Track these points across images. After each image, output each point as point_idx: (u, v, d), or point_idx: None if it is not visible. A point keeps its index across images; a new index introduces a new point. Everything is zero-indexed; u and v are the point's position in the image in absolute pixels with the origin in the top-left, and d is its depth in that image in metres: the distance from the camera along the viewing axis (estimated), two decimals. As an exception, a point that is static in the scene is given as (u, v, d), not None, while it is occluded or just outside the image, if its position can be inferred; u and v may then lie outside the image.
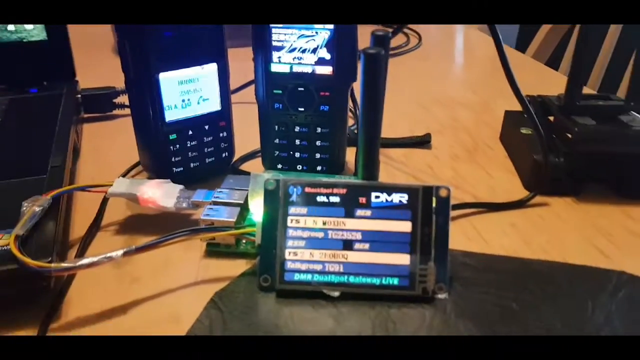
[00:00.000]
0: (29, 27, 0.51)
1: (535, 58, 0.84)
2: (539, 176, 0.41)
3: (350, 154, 0.43)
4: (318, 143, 0.41)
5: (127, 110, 0.55)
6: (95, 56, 0.72)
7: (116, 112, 0.55)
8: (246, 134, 0.45)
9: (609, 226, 0.38)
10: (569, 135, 0.41)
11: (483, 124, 0.55)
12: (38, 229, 0.31)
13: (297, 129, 0.41)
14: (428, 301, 0.31)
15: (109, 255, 0.29)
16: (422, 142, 0.50)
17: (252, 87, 0.57)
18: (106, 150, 0.49)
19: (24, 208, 0.32)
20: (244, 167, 0.46)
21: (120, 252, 0.29)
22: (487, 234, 0.37)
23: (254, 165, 0.46)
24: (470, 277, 0.33)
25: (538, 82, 0.51)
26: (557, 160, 0.40)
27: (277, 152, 0.42)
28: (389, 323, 0.29)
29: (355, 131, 0.50)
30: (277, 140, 0.42)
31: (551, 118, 0.45)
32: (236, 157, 0.45)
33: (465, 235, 0.37)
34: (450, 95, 0.64)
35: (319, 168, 0.42)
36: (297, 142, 0.41)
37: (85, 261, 0.28)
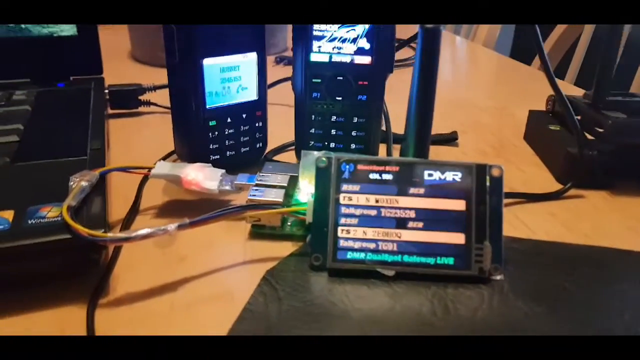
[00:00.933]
0: (60, 21, 0.51)
1: (540, 70, 0.86)
2: (574, 169, 0.41)
3: (381, 152, 0.44)
4: (354, 133, 0.42)
5: (153, 108, 0.55)
6: (113, 62, 0.72)
7: (142, 109, 0.55)
8: (275, 129, 0.45)
9: (647, 216, 0.39)
10: (600, 130, 0.42)
11: (505, 125, 0.56)
12: (87, 202, 0.30)
13: (333, 118, 0.41)
14: (484, 282, 0.30)
15: (163, 227, 0.29)
16: (450, 139, 0.50)
17: (277, 87, 0.59)
18: (135, 144, 0.49)
19: (72, 183, 0.31)
20: (276, 159, 0.45)
21: (174, 225, 0.29)
22: (530, 222, 0.37)
23: (286, 157, 0.46)
24: (521, 260, 0.33)
25: (548, 89, 0.53)
26: (591, 153, 0.41)
27: (312, 142, 0.42)
28: (447, 302, 0.29)
29: (383, 129, 0.50)
30: (312, 130, 0.42)
31: (578, 117, 0.46)
32: (267, 149, 0.45)
33: (510, 224, 0.37)
34: (469, 100, 0.65)
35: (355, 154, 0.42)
36: (333, 131, 0.42)
37: (141, 232, 0.28)
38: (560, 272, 0.32)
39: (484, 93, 0.71)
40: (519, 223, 0.37)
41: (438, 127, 0.55)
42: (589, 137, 0.42)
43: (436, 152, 0.49)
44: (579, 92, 0.70)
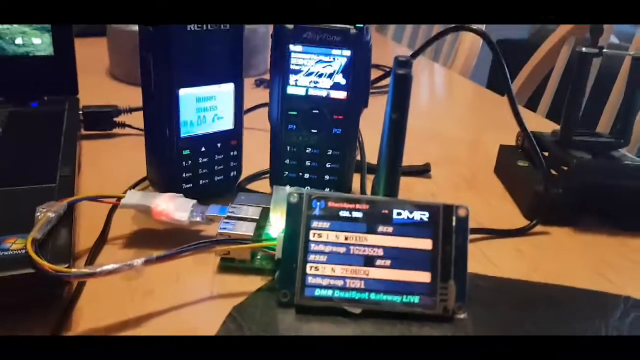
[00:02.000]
0: (37, 41, 0.51)
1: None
2: (540, 206, 0.42)
3: (355, 180, 0.44)
4: (328, 165, 0.42)
5: (128, 130, 0.55)
6: (91, 79, 0.72)
7: (116, 130, 0.55)
8: (251, 154, 0.45)
9: (609, 254, 0.40)
10: (565, 168, 0.43)
11: (477, 158, 0.57)
12: (53, 234, 0.30)
13: (308, 150, 0.42)
14: (448, 320, 0.31)
15: (129, 262, 0.28)
16: (423, 171, 0.51)
17: (254, 113, 0.59)
18: (107, 167, 0.48)
19: (39, 214, 0.31)
20: (250, 187, 0.45)
21: (140, 261, 0.29)
22: (496, 258, 0.38)
23: (260, 186, 0.46)
24: (486, 298, 0.33)
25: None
26: (556, 191, 0.42)
27: (286, 173, 0.42)
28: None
29: (358, 158, 0.50)
30: (287, 161, 0.42)
31: (545, 153, 0.47)
32: (242, 177, 0.45)
33: (476, 260, 0.38)
34: (443, 131, 0.66)
35: (327, 190, 0.43)
36: (308, 163, 0.42)
37: (106, 268, 0.28)
38: (521, 311, 0.32)
39: (458, 124, 0.72)
40: (485, 260, 0.38)
41: (412, 158, 0.56)
42: (555, 173, 0.43)
43: (408, 184, 0.50)
44: (550, 125, 0.72)
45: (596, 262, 0.39)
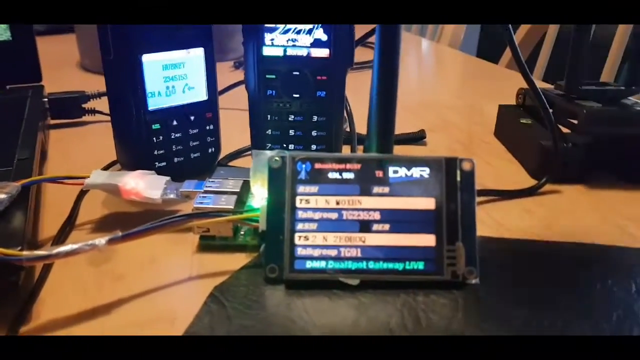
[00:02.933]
0: (-9, 24, 0.47)
1: (507, 68, 0.84)
2: (548, 163, 0.39)
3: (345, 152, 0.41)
4: (314, 133, 0.38)
5: (98, 117, 0.51)
6: (61, 71, 0.68)
7: (86, 118, 0.51)
8: (232, 135, 0.42)
9: (626, 209, 0.36)
10: (574, 121, 0.40)
11: (473, 123, 0.54)
12: (5, 218, 0.26)
13: (291, 117, 0.38)
14: (458, 287, 0.27)
15: (91, 242, 0.25)
16: (418, 138, 0.48)
17: (233, 91, 0.55)
18: (76, 154, 0.45)
19: (-13, 196, 0.27)
20: (231, 164, 0.42)
21: (104, 240, 0.25)
22: (505, 220, 0.35)
23: (242, 163, 0.42)
24: (498, 261, 0.30)
25: (516, 86, 0.51)
26: (566, 146, 0.39)
27: (269, 145, 0.39)
28: (419, 312, 0.26)
29: (347, 129, 0.47)
30: (269, 132, 0.38)
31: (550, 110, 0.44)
32: (222, 155, 0.42)
33: (483, 223, 0.34)
34: (436, 100, 0.62)
35: (312, 152, 0.39)
36: (292, 132, 0.38)
37: (63, 249, 0.24)
38: (540, 273, 0.29)
39: (452, 93, 0.69)
40: (493, 222, 0.34)
41: (405, 127, 0.52)
42: (563, 129, 0.40)
43: (404, 151, 0.45)
44: (546, 86, 0.68)
45: (611, 216, 0.35)
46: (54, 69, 0.53)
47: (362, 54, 0.62)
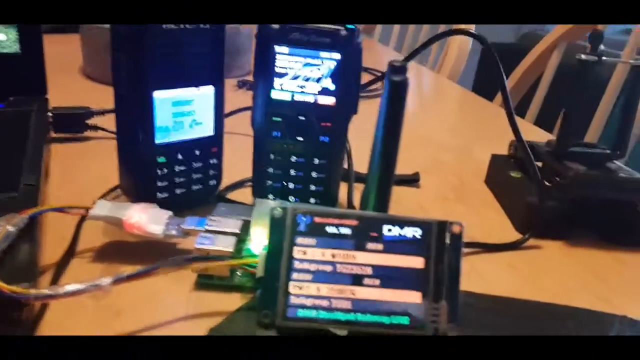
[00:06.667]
0: (2, 37, 0.48)
1: (502, 107, 0.87)
2: (533, 219, 0.41)
3: (342, 191, 0.42)
4: (314, 174, 0.40)
5: (101, 133, 0.52)
6: (64, 78, 0.69)
7: (88, 133, 0.52)
8: (233, 161, 0.43)
9: (604, 271, 0.38)
10: (560, 180, 0.41)
11: (466, 167, 0.56)
12: (13, 250, 0.27)
13: (293, 159, 0.39)
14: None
15: (96, 282, 0.26)
16: (412, 180, 0.49)
17: (236, 116, 0.57)
18: (78, 173, 0.45)
19: (-3, 227, 0.28)
20: (231, 196, 0.43)
21: (109, 280, 0.26)
22: (488, 274, 0.36)
23: (242, 195, 0.43)
24: (477, 318, 0.32)
25: (509, 129, 0.53)
26: (550, 204, 0.40)
27: (270, 182, 0.40)
28: (401, 366, 0.27)
29: (345, 166, 0.48)
30: (271, 170, 0.40)
31: (539, 164, 0.46)
32: (222, 185, 0.43)
33: (467, 276, 0.35)
34: (432, 137, 0.64)
35: (312, 200, 0.41)
36: (293, 172, 0.40)
37: (70, 288, 0.25)
38: (514, 332, 0.31)
39: (447, 130, 0.71)
40: (476, 275, 0.36)
41: (400, 165, 0.54)
42: (549, 185, 0.42)
43: (397, 193, 0.47)
44: (538, 132, 0.71)
45: (591, 278, 0.37)
46: (57, 76, 0.53)
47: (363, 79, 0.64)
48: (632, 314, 0.33)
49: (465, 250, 0.38)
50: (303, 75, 0.37)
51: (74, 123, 0.50)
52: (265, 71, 0.37)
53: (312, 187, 0.40)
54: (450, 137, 0.66)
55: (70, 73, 0.73)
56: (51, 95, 0.55)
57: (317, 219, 0.29)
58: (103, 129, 0.52)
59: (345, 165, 0.46)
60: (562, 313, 0.33)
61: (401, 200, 0.47)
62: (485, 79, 1.42)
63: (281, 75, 0.37)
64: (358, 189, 0.43)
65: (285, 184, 0.40)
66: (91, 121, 0.52)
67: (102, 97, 0.53)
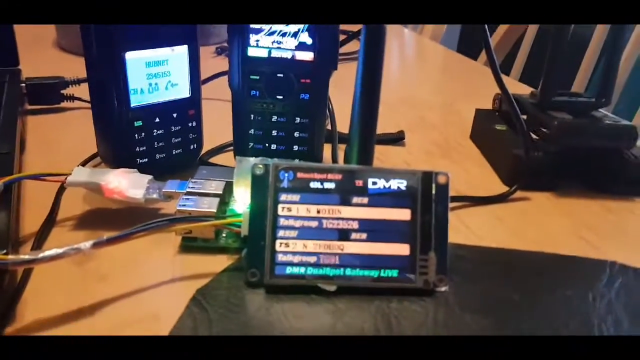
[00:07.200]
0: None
1: (486, 65, 0.86)
2: (519, 171, 0.40)
3: (326, 151, 0.42)
4: (296, 134, 0.39)
5: (77, 103, 0.51)
6: (37, 51, 0.67)
7: (65, 104, 0.50)
8: (213, 127, 0.42)
9: (591, 219, 0.38)
10: (546, 130, 0.41)
11: (451, 124, 0.55)
12: (-13, 219, 0.27)
13: (274, 118, 0.38)
14: (429, 294, 0.29)
15: (76, 246, 0.25)
16: (397, 139, 0.49)
17: (214, 82, 0.55)
18: (55, 143, 0.44)
19: (-31, 196, 0.27)
20: (213, 161, 0.42)
21: (89, 243, 0.26)
22: (476, 227, 0.36)
23: (224, 159, 0.43)
24: (467, 269, 0.31)
25: (494, 86, 0.52)
26: (537, 155, 0.40)
27: (252, 144, 0.39)
28: (391, 318, 0.27)
29: (329, 127, 0.48)
30: (252, 131, 0.39)
31: (523, 116, 0.45)
32: (204, 150, 0.42)
33: (455, 229, 0.36)
34: (415, 96, 0.63)
35: (296, 161, 0.40)
36: (274, 132, 0.39)
37: (49, 253, 0.24)
38: (506, 281, 0.31)
39: (431, 89, 0.70)
40: (465, 228, 0.36)
41: (384, 124, 0.53)
42: (535, 137, 0.42)
43: (382, 152, 0.47)
44: (523, 89, 0.70)
45: (579, 226, 0.37)
46: (31, 49, 0.52)
47: (346, 47, 0.63)
48: (621, 260, 0.33)
49: (452, 204, 0.38)
50: (279, 30, 0.36)
51: (48, 94, 0.49)
52: (239, 27, 0.36)
53: (295, 148, 0.39)
54: (434, 95, 0.65)
55: (44, 46, 0.71)
56: (26, 68, 0.53)
57: (300, 174, 0.29)
58: (79, 99, 0.50)
59: (329, 127, 0.45)
60: (552, 261, 0.33)
61: (386, 158, 0.46)
62: (469, 40, 1.40)
63: (257, 31, 0.36)
64: (342, 149, 0.43)
65: (267, 145, 0.39)
66: (67, 91, 0.50)
67: (78, 68, 0.51)
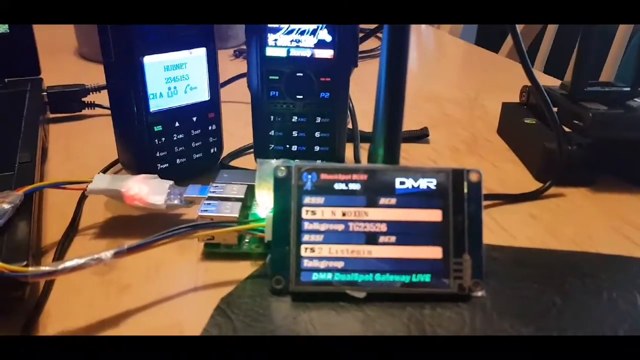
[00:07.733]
0: (-11, 17, 0.46)
1: (509, 58, 0.84)
2: (553, 165, 0.39)
3: (349, 150, 0.40)
4: (317, 134, 0.38)
5: (98, 110, 0.51)
6: (58, 60, 0.67)
7: (86, 111, 0.50)
8: (233, 131, 0.41)
9: (631, 214, 0.36)
10: (579, 123, 0.39)
11: (476, 118, 0.53)
12: (8, 229, 0.26)
13: (294, 119, 0.37)
14: (464, 299, 0.27)
15: (97, 256, 0.25)
16: (421, 136, 0.47)
17: (233, 84, 0.55)
18: (77, 151, 0.44)
19: (-10, 206, 0.27)
20: (234, 164, 0.42)
21: (110, 253, 0.25)
22: (510, 226, 0.35)
23: (245, 162, 0.42)
24: (504, 272, 0.30)
25: (518, 79, 0.50)
26: (571, 148, 0.38)
27: (272, 146, 0.38)
28: (425, 325, 0.26)
29: (350, 126, 0.46)
30: (272, 133, 0.38)
31: (555, 109, 0.43)
32: (224, 154, 0.41)
33: (488, 229, 0.34)
34: (437, 90, 0.62)
35: (318, 162, 0.39)
36: (295, 133, 0.38)
37: (69, 264, 0.24)
38: (546, 284, 0.29)
39: (452, 84, 0.68)
40: (498, 228, 0.34)
41: (407, 122, 0.51)
42: (567, 129, 0.40)
43: (407, 150, 0.46)
44: (549, 80, 0.68)
45: (617, 223, 0.35)
46: (51, 57, 0.52)
47: (366, 44, 0.61)
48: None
49: (484, 203, 0.37)
50: (297, 28, 0.35)
51: (69, 102, 0.49)
52: (257, 27, 0.35)
53: (317, 148, 0.38)
54: (456, 90, 0.64)
55: (65, 54, 0.71)
56: (47, 76, 0.53)
57: (324, 176, 0.28)
58: (100, 106, 0.50)
59: (350, 125, 0.44)
60: (594, 262, 0.31)
61: (411, 156, 0.45)
62: (488, 32, 1.37)
63: (275, 30, 0.35)
64: (364, 148, 0.41)
65: (288, 146, 0.38)
66: (87, 99, 0.50)
67: (99, 76, 0.51)
